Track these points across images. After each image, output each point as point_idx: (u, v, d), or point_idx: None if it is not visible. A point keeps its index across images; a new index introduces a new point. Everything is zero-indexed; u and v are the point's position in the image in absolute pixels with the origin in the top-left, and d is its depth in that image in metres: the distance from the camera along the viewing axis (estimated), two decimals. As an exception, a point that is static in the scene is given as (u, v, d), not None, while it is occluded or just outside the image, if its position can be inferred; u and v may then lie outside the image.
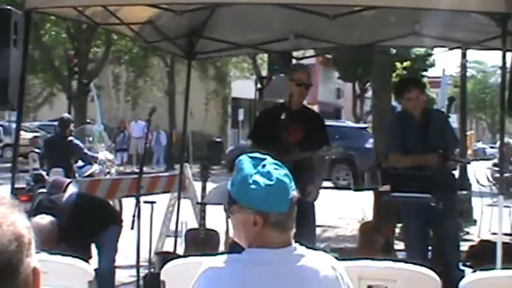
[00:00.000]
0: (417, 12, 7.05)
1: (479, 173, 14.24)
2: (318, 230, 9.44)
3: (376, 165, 7.65)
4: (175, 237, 9.00)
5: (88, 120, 24.77)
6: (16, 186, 7.08)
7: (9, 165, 12.34)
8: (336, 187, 19.88)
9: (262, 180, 2.54)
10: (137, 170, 11.10)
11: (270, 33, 8.90)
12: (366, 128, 25.62)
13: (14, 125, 24.40)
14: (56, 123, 14.71)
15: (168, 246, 9.41)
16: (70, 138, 12.26)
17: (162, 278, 4.77)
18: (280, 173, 2.59)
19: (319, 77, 45.41)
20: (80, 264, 4.85)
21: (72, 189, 6.93)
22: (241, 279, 2.54)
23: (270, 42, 9.14)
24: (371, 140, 23.63)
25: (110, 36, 26.36)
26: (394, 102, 12.56)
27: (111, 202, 9.29)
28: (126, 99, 37.20)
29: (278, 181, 2.55)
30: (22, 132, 7.38)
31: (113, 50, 29.63)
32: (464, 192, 12.65)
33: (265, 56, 26.58)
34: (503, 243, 5.85)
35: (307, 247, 2.67)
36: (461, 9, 6.18)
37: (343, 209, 14.28)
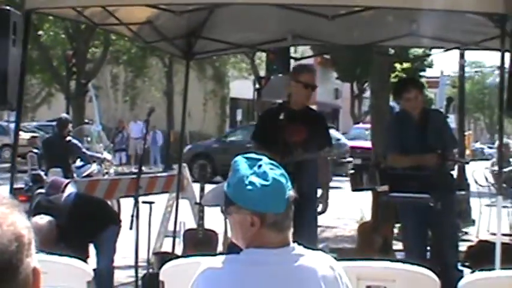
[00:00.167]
0: (415, 13, 7.06)
1: (478, 173, 14.25)
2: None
3: (374, 166, 7.64)
4: (174, 237, 9.01)
5: (86, 121, 24.78)
6: (14, 186, 7.09)
7: (7, 165, 12.36)
8: None
9: (258, 181, 2.55)
10: (136, 170, 11.10)
11: (268, 33, 8.90)
12: (332, 127, 25.92)
13: (12, 125, 24.38)
14: (54, 123, 14.72)
15: (167, 246, 9.41)
16: (68, 138, 12.26)
17: (161, 278, 4.77)
18: (276, 173, 2.59)
19: (317, 77, 45.36)
20: (79, 264, 4.85)
21: (70, 190, 6.93)
22: (239, 279, 2.54)
23: (268, 42, 9.14)
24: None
25: (108, 36, 26.36)
26: (392, 103, 12.57)
27: (109, 202, 9.30)
28: (124, 99, 37.19)
29: (274, 181, 2.56)
30: (20, 133, 7.37)
31: (111, 50, 29.62)
32: (463, 192, 12.65)
33: (264, 56, 26.57)
34: (502, 243, 5.85)
35: (306, 247, 2.67)
36: (460, 10, 6.18)
37: (341, 209, 14.27)
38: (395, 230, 9.67)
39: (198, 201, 8.77)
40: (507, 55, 5.86)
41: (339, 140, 25.23)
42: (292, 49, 12.43)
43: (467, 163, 13.62)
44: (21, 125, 8.34)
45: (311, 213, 6.97)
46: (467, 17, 6.83)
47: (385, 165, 7.40)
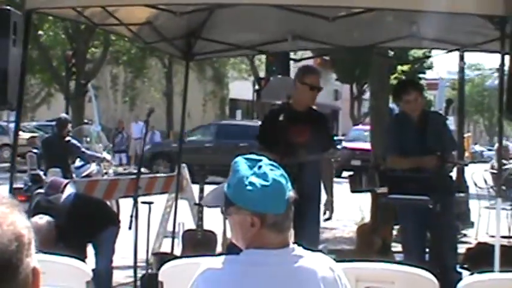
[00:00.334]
0: (415, 15, 7.06)
1: (477, 175, 14.24)
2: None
3: (373, 167, 7.65)
4: (173, 238, 9.01)
5: (86, 121, 24.78)
6: (14, 186, 7.09)
7: (6, 165, 12.37)
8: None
9: (258, 182, 2.55)
10: (135, 171, 11.10)
11: (268, 34, 8.90)
12: None
13: (11, 125, 24.37)
14: (53, 123, 14.71)
15: (166, 247, 9.41)
16: (67, 138, 12.25)
17: (160, 278, 4.77)
18: (276, 173, 2.59)
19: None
20: (78, 264, 4.85)
21: (69, 190, 6.94)
22: (238, 280, 2.54)
23: (268, 43, 9.14)
24: None
25: (108, 36, 26.38)
26: (391, 104, 12.57)
27: (108, 203, 9.30)
28: (124, 99, 37.23)
29: (274, 182, 2.56)
30: (20, 132, 7.37)
31: (111, 50, 29.65)
32: (462, 194, 12.65)
33: (263, 57, 26.63)
34: (501, 245, 5.85)
35: (307, 248, 2.67)
36: (460, 12, 6.18)
37: (340, 211, 14.27)
38: (395, 232, 9.68)
39: (197, 201, 8.77)
40: (507, 57, 5.86)
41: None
42: (292, 50, 12.44)
43: (467, 165, 13.58)
44: (21, 125, 8.33)
45: (314, 215, 6.98)
46: (467, 18, 6.83)
47: (385, 167, 7.41)
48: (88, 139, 17.25)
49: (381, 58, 11.57)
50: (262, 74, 32.38)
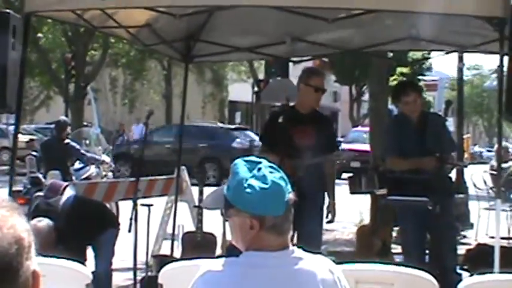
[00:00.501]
0: (414, 16, 7.06)
1: (476, 176, 14.25)
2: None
3: (373, 169, 7.65)
4: (172, 240, 9.00)
5: (85, 123, 24.78)
6: (13, 189, 7.08)
7: (6, 168, 12.36)
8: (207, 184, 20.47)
9: (257, 184, 2.55)
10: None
11: (267, 36, 8.90)
12: (234, 128, 27.32)
13: (10, 128, 24.35)
14: (52, 126, 14.71)
15: (165, 249, 9.41)
16: (67, 141, 12.25)
17: (159, 281, 4.77)
18: (276, 176, 2.59)
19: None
20: (78, 267, 4.85)
21: (69, 192, 6.93)
22: (238, 282, 2.54)
23: (267, 45, 9.14)
24: (237, 140, 24.62)
25: (107, 39, 26.38)
26: (391, 106, 12.58)
27: (108, 205, 9.29)
28: (123, 102, 37.24)
29: (273, 184, 2.56)
30: (19, 135, 7.37)
31: (110, 53, 29.66)
32: (461, 195, 12.65)
33: (262, 59, 26.65)
34: (501, 246, 5.85)
35: (308, 251, 2.67)
36: (459, 13, 6.18)
37: (340, 212, 14.26)
38: (394, 233, 9.68)
39: (196, 204, 8.77)
40: (506, 58, 5.86)
41: None
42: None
43: (466, 166, 13.63)
44: (20, 128, 8.33)
45: (317, 217, 7.00)
46: (466, 20, 6.84)
47: (384, 169, 7.41)
48: (87, 141, 17.25)
49: (380, 60, 11.57)
50: (261, 76, 32.41)
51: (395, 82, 15.98)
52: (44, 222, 6.23)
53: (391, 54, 13.99)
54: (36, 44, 24.91)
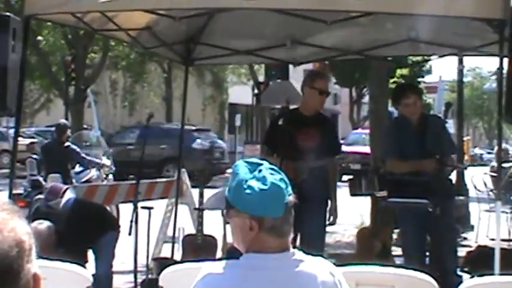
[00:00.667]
0: (414, 18, 7.06)
1: (477, 178, 14.24)
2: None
3: (373, 171, 7.66)
4: (173, 243, 9.00)
5: (85, 126, 24.78)
6: (13, 192, 7.09)
7: (6, 171, 12.36)
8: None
9: (257, 185, 2.55)
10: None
11: (267, 39, 8.90)
12: (195, 129, 27.28)
13: (10, 131, 24.34)
14: (53, 129, 14.71)
15: (166, 252, 9.40)
16: (67, 144, 12.26)
17: (160, 283, 4.77)
18: (276, 177, 2.59)
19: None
20: (78, 270, 4.85)
21: (69, 195, 6.93)
22: (239, 284, 2.54)
23: (267, 48, 9.14)
24: (198, 141, 24.73)
25: (107, 42, 26.39)
26: (391, 108, 12.56)
27: (108, 208, 9.29)
28: (123, 104, 37.25)
29: (272, 185, 2.56)
30: (19, 138, 7.37)
31: (110, 55, 29.65)
32: (462, 197, 12.65)
33: (262, 61, 26.63)
34: (501, 248, 5.85)
35: (308, 253, 2.67)
36: (458, 15, 6.18)
37: (340, 215, 14.26)
38: (394, 236, 9.67)
39: (197, 206, 8.77)
40: (505, 60, 5.87)
41: None
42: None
43: (465, 168, 13.63)
44: (20, 131, 8.32)
45: (320, 220, 7.02)
46: (466, 22, 6.83)
47: (384, 171, 7.41)
48: (88, 144, 17.25)
49: (380, 62, 11.57)
50: (261, 79, 32.38)
51: (395, 84, 15.96)
52: (44, 225, 6.23)
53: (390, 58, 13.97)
54: (36, 47, 24.92)
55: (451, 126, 19.60)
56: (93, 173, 12.97)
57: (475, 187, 14.04)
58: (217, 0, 6.44)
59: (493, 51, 7.16)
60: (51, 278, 3.02)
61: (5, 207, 1.49)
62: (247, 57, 9.68)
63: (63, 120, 14.37)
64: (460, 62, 16.31)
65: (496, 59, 6.17)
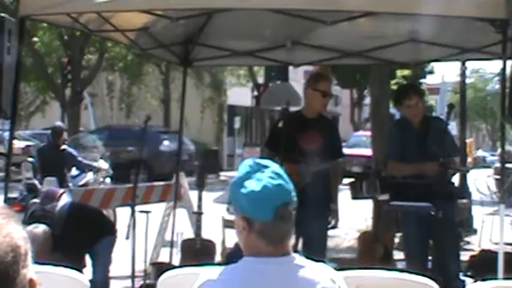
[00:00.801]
0: (415, 19, 7.06)
1: (480, 181, 14.25)
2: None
3: (375, 174, 7.65)
4: (171, 247, 9.00)
5: (81, 129, 24.76)
6: (8, 196, 7.08)
7: (1, 174, 12.34)
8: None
9: (251, 186, 2.57)
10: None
11: (267, 40, 8.91)
12: (162, 131, 27.82)
13: (5, 134, 24.33)
14: (49, 132, 14.71)
15: (164, 256, 9.40)
16: (63, 147, 12.25)
17: (158, 289, 4.77)
18: (274, 182, 2.58)
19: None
20: (75, 275, 4.84)
21: (65, 199, 6.93)
22: (238, 290, 2.55)
23: (266, 49, 9.14)
24: (165, 143, 24.79)
25: (104, 43, 26.37)
26: (392, 110, 12.57)
27: (105, 212, 9.29)
28: (120, 107, 37.19)
29: (264, 189, 2.55)
30: (14, 141, 7.38)
31: (106, 57, 29.63)
32: (464, 201, 12.64)
33: (262, 62, 26.63)
34: (505, 253, 5.85)
35: (310, 258, 2.67)
36: (460, 15, 6.19)
37: (341, 218, 14.25)
38: (396, 240, 9.67)
39: (195, 210, 8.77)
40: (509, 61, 5.87)
41: None
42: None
43: (468, 171, 13.59)
44: (15, 134, 8.33)
45: (323, 224, 7.03)
46: (468, 22, 6.83)
47: (386, 174, 7.41)
48: (84, 147, 17.26)
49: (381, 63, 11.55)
50: (260, 80, 32.40)
51: (396, 86, 15.98)
52: (40, 229, 6.23)
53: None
54: (31, 48, 24.91)
55: (453, 128, 19.60)
56: (89, 176, 12.97)
57: (478, 190, 14.05)
58: (216, -1, 6.44)
59: (495, 52, 7.16)
60: (47, 284, 3.02)
61: (0, 211, 1.49)
62: (246, 58, 9.68)
63: (59, 123, 14.35)
64: (463, 63, 16.32)
65: (499, 60, 6.17)
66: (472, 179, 14.39)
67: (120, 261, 7.72)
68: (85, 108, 27.64)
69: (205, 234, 8.40)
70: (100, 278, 6.87)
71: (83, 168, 12.83)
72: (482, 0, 5.86)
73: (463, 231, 11.75)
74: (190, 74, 27.72)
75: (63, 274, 4.77)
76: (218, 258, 8.33)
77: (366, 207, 10.00)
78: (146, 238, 7.56)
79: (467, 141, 20.59)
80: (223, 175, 32.05)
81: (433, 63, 29.61)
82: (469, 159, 24.65)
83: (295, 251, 2.69)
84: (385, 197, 7.15)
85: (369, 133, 17.66)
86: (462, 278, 7.25)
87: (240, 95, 39.57)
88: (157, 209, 9.47)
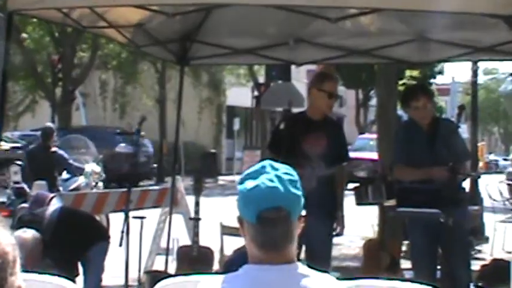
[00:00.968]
0: (423, 16, 7.07)
1: (492, 187, 14.24)
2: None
3: (381, 178, 7.65)
4: (167, 255, 9.00)
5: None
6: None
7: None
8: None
9: (246, 184, 2.59)
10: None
11: (268, 37, 8.91)
12: (118, 133, 27.22)
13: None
14: (38, 133, 14.72)
15: (159, 264, 9.41)
16: (54, 149, 12.25)
17: (152, 298, 4.77)
18: (269, 184, 2.57)
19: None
20: (65, 283, 4.84)
21: (56, 204, 6.93)
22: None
23: (268, 47, 9.14)
24: (121, 144, 24.97)
25: (97, 40, 26.39)
26: (400, 111, 12.58)
27: (97, 218, 9.29)
28: (113, 107, 37.17)
29: (254, 189, 2.56)
30: (2, 143, 7.39)
31: (99, 54, 29.66)
32: (476, 207, 12.64)
33: (263, 61, 26.65)
34: (517, 262, 5.86)
35: (313, 267, 2.67)
36: (472, 12, 6.19)
37: (346, 225, 14.25)
38: (404, 248, 9.67)
39: (192, 216, 8.78)
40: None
41: None
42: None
43: (479, 177, 13.60)
44: (3, 135, 8.33)
45: (327, 231, 7.04)
46: (480, 19, 6.84)
47: (392, 178, 7.41)
48: (76, 148, 17.25)
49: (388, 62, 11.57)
50: (261, 80, 32.41)
51: (404, 86, 15.97)
52: (29, 234, 6.22)
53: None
54: (20, 45, 24.93)
55: (464, 130, 19.63)
56: (81, 180, 12.96)
57: (490, 196, 14.04)
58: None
59: (508, 51, 7.17)
60: (36, 292, 3.03)
61: (-13, 216, 1.50)
62: (246, 56, 9.68)
63: (49, 124, 14.38)
64: (475, 63, 16.35)
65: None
66: (483, 185, 14.38)
67: (113, 270, 7.73)
68: (76, 108, 27.67)
69: (202, 241, 8.41)
70: (92, 287, 6.87)
71: (74, 172, 12.83)
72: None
73: (474, 240, 11.75)
74: (188, 72, 27.79)
75: (53, 282, 4.77)
76: (216, 266, 8.33)
77: (372, 213, 10.00)
78: (140, 245, 7.57)
79: (479, 144, 20.61)
80: (222, 179, 32.08)
81: (443, 63, 29.65)
82: (481, 164, 24.66)
83: (298, 259, 2.68)
84: (391, 202, 7.16)
85: (374, 136, 17.66)
86: (472, 288, 7.25)
87: (240, 95, 39.58)
88: (152, 215, 9.48)
